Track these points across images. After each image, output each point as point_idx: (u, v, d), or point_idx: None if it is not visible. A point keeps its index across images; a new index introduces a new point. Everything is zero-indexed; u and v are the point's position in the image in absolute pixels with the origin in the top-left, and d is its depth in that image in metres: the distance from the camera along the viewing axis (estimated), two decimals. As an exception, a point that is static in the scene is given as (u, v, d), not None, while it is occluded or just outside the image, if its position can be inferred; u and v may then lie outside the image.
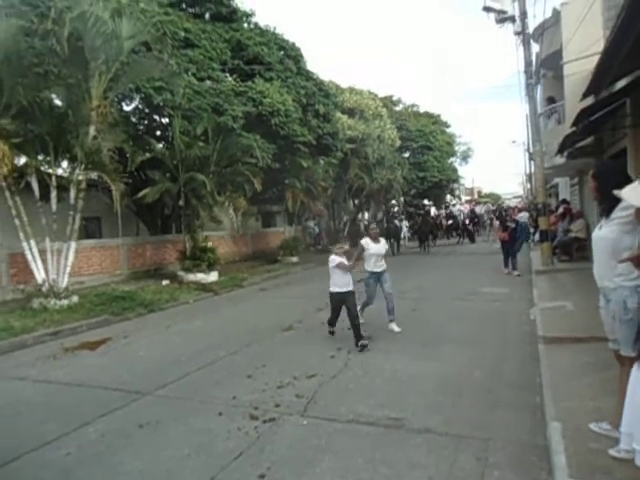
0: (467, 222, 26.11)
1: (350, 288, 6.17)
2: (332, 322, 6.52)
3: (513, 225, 12.47)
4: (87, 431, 3.97)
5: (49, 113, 9.70)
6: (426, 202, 31.27)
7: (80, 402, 4.65)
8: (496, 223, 31.75)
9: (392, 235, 19.06)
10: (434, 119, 36.06)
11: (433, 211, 24.96)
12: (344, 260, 6.24)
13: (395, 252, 18.90)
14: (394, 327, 6.80)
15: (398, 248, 19.80)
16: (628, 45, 4.82)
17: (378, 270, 6.81)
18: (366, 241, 6.83)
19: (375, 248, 6.78)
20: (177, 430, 3.91)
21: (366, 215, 29.09)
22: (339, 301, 6.20)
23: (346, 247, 6.61)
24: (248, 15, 16.73)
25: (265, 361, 5.70)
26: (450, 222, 26.60)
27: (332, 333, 6.61)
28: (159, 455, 3.52)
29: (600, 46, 6.65)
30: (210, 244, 13.82)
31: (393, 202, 22.70)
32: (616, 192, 2.89)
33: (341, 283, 6.17)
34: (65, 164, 10.68)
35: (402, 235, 21.42)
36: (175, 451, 3.55)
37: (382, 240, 7.00)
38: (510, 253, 12.23)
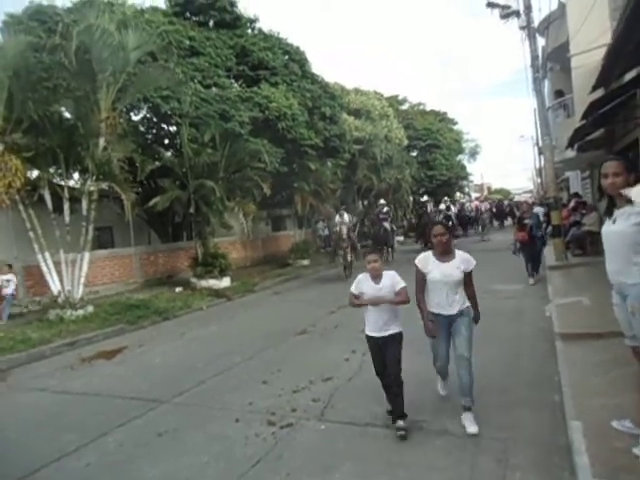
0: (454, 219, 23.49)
1: (393, 330, 3.85)
2: (379, 371, 3.97)
3: (531, 222, 10.12)
4: (106, 441, 4.01)
5: (59, 126, 9.83)
6: (425, 198, 28.57)
7: (98, 412, 4.69)
8: (495, 223, 30.17)
9: (381, 240, 16.64)
10: (441, 117, 35.91)
11: (430, 208, 21.66)
12: (380, 286, 3.80)
13: (385, 257, 16.19)
14: (468, 422, 3.67)
15: (392, 255, 17.37)
16: (637, 35, 4.76)
17: (448, 312, 3.82)
18: (425, 258, 3.91)
19: (442, 270, 3.80)
20: (195, 438, 3.93)
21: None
22: (377, 349, 3.90)
23: (377, 262, 3.79)
24: (252, 21, 16.81)
25: (280, 366, 5.71)
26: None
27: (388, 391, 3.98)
28: (178, 463, 3.53)
29: (607, 37, 6.58)
30: (221, 250, 13.89)
31: (381, 201, 18.87)
32: (624, 192, 2.84)
33: (376, 322, 3.84)
34: (76, 176, 10.82)
35: (393, 241, 18.25)
36: (194, 459, 3.57)
37: (459, 256, 3.88)
38: (533, 256, 10.25)
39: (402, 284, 3.81)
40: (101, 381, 5.78)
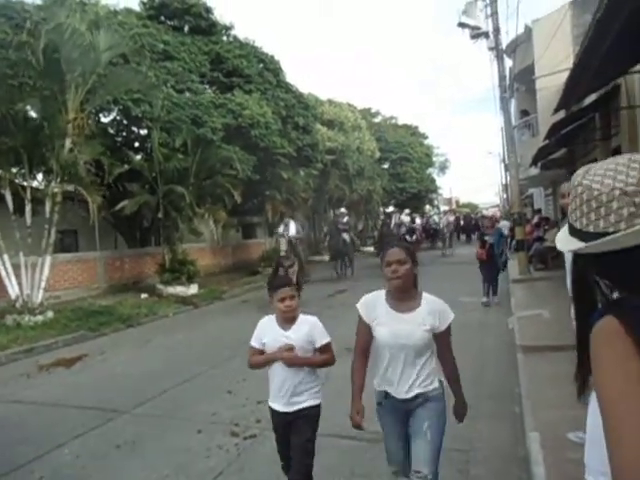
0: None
1: (306, 403, 2.69)
2: (284, 460, 2.76)
3: (491, 240, 9.30)
4: (62, 453, 3.86)
5: (24, 125, 9.52)
6: (391, 209, 24.95)
7: (55, 422, 4.52)
8: (462, 237, 29.18)
9: (340, 253, 15.30)
10: (412, 131, 36.65)
11: (394, 220, 18.84)
12: (289, 334, 2.63)
13: (343, 273, 15.41)
14: None
15: (351, 270, 15.77)
16: (596, 62, 5.00)
17: (401, 395, 2.42)
18: (373, 300, 2.49)
19: (396, 325, 2.37)
20: (155, 450, 3.84)
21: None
22: (281, 428, 2.74)
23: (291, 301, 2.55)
24: (227, 28, 16.81)
25: (246, 375, 5.63)
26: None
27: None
28: (137, 476, 3.44)
29: (570, 62, 6.90)
30: (190, 256, 13.69)
31: (342, 210, 17.19)
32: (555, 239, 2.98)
33: (280, 388, 2.69)
34: (40, 177, 10.49)
35: (353, 254, 16.48)
36: (153, 472, 3.48)
37: (427, 303, 2.41)
38: (491, 276, 9.40)
39: (326, 339, 2.71)
40: (59, 390, 5.57)
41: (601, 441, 0.85)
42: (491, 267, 9.31)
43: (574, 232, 0.93)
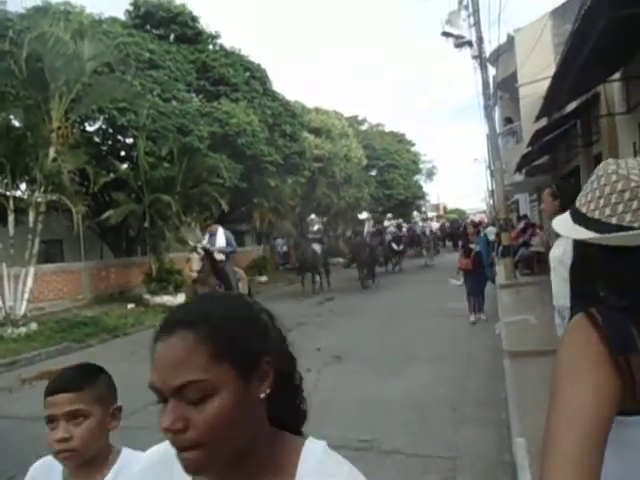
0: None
1: None
2: None
3: (477, 248, 8.23)
4: (44, 468, 3.77)
5: (6, 135, 9.41)
6: (364, 215, 20.49)
7: (37, 437, 4.39)
8: (449, 244, 26.12)
9: (308, 266, 13.47)
10: (399, 138, 36.92)
11: (367, 227, 16.70)
12: None
13: (316, 287, 13.83)
14: None
15: (327, 282, 14.35)
16: (576, 71, 5.11)
17: None
18: None
19: None
20: (141, 463, 3.77)
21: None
22: None
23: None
24: (213, 37, 16.83)
25: (233, 386, 5.60)
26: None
27: None
28: (121, 491, 3.37)
29: (552, 70, 7.03)
30: (177, 265, 13.58)
31: (312, 217, 15.53)
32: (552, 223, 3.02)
33: None
34: (24, 186, 10.36)
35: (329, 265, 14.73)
36: (138, 486, 3.41)
37: None
38: (477, 289, 8.34)
39: None
40: (42, 404, 5.46)
41: None
42: (478, 278, 8.24)
43: (584, 221, 0.91)
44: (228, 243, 8.17)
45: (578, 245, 0.97)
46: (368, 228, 16.38)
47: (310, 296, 13.04)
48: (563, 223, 0.97)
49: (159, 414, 0.60)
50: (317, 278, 14.07)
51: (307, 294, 13.19)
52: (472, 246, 8.34)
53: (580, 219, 0.92)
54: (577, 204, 0.94)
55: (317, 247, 13.77)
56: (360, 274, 14.06)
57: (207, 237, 8.35)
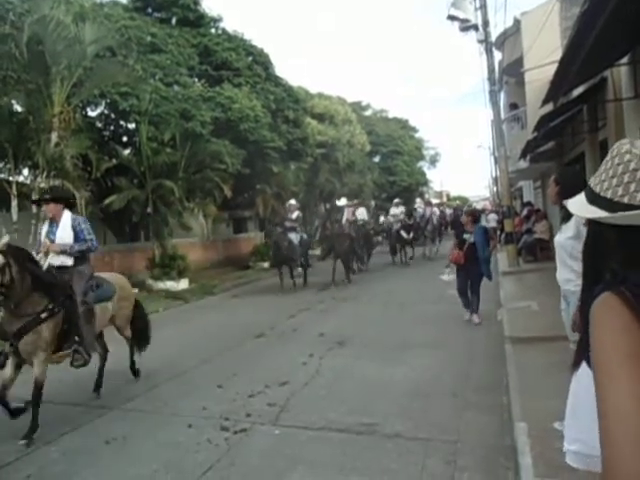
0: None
1: None
2: None
3: (472, 239, 7.17)
4: (49, 450, 3.83)
5: (8, 119, 9.40)
6: (343, 201, 17.24)
7: (42, 420, 4.47)
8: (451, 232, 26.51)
9: (282, 258, 11.88)
10: (402, 124, 36.67)
11: (346, 215, 14.78)
12: None
13: (294, 284, 12.15)
14: None
15: (304, 278, 12.58)
16: (583, 55, 5.01)
17: None
18: None
19: None
20: (145, 445, 3.82)
21: None
22: None
23: None
24: (216, 20, 16.64)
25: (236, 370, 5.64)
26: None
27: None
28: (126, 472, 3.42)
29: (558, 54, 6.91)
30: (180, 251, 13.61)
31: (291, 202, 13.37)
32: (564, 202, 3.00)
33: None
34: (26, 171, 10.35)
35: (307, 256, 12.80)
36: (142, 467, 3.46)
37: None
38: (471, 286, 7.28)
39: None
40: (46, 387, 5.49)
41: (579, 412, 0.96)
42: (471, 274, 7.22)
43: (597, 200, 0.91)
44: (78, 237, 4.89)
45: (592, 225, 0.97)
46: (348, 216, 14.40)
47: (290, 291, 11.68)
48: (578, 203, 0.97)
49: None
50: (300, 270, 12.49)
51: (285, 290, 11.73)
52: (466, 237, 7.26)
53: (594, 199, 0.91)
54: (591, 184, 0.93)
55: (294, 237, 12.10)
56: (334, 268, 12.26)
57: (46, 226, 5.06)
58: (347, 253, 12.81)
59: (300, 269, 12.59)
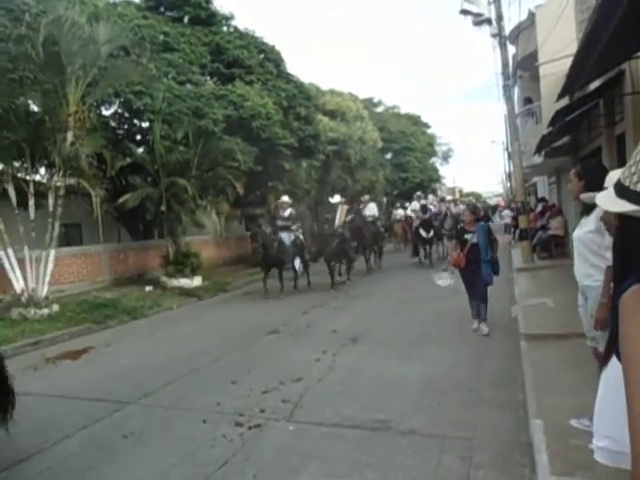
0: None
1: None
2: None
3: (475, 239, 6.46)
4: (68, 444, 3.90)
5: (25, 119, 9.51)
6: (337, 199, 14.09)
7: (61, 414, 4.57)
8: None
9: (272, 261, 10.87)
10: (414, 120, 36.44)
11: (339, 213, 12.79)
12: None
13: (282, 289, 11.05)
14: None
15: (296, 282, 11.72)
16: (600, 48, 4.93)
17: None
18: None
19: None
20: (161, 440, 3.87)
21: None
22: None
23: None
24: (227, 18, 16.69)
25: (250, 366, 5.68)
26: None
27: None
28: (143, 466, 3.47)
29: (574, 48, 6.81)
30: (193, 249, 13.72)
31: (284, 199, 12.15)
32: (582, 196, 2.95)
33: None
34: (43, 170, 10.50)
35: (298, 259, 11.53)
36: (159, 461, 3.51)
37: None
38: (475, 290, 6.60)
39: None
40: (65, 382, 5.62)
41: (609, 408, 0.90)
42: (474, 277, 6.50)
43: (626, 193, 0.89)
44: None
45: (622, 219, 0.96)
46: (339, 214, 12.68)
47: (277, 297, 10.57)
48: (606, 197, 0.96)
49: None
50: (299, 269, 11.60)
51: (271, 294, 10.67)
52: (467, 237, 6.55)
53: (623, 192, 0.90)
54: (621, 177, 0.92)
55: (286, 237, 11.11)
56: (330, 271, 11.55)
57: None
58: (335, 255, 11.67)
59: (299, 270, 11.60)
